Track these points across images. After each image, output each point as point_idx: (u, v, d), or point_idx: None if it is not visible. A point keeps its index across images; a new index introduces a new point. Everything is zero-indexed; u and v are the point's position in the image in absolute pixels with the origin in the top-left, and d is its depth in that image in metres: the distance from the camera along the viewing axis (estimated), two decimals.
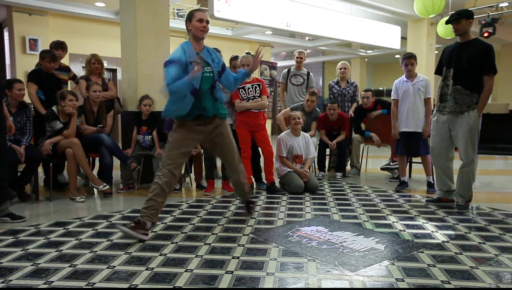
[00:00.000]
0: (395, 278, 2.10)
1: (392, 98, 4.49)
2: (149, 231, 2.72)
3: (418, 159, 4.61)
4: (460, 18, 3.35)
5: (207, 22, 2.83)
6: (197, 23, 2.78)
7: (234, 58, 4.61)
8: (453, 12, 3.46)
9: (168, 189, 2.77)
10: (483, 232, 2.88)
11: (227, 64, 4.16)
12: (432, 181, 4.34)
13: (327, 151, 5.28)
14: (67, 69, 4.85)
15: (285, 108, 5.30)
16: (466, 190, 3.45)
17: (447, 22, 3.48)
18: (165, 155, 2.81)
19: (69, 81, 4.95)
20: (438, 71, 3.68)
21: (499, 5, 8.12)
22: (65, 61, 5.00)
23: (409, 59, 4.28)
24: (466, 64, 3.33)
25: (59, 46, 4.64)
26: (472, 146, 3.37)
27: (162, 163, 2.79)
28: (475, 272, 2.17)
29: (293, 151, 4.36)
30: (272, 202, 3.86)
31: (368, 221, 3.18)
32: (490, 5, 8.15)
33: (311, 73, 5.56)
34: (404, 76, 4.38)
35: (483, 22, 8.21)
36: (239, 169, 3.15)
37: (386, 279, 2.10)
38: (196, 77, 2.69)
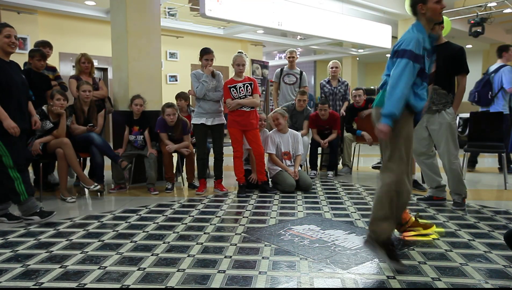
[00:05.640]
0: (387, 276, 2.12)
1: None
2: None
3: None
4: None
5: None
6: (435, 5, 2.35)
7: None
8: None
9: None
10: (473, 229, 2.92)
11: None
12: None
13: (319, 150, 5.31)
14: (53, 69, 4.80)
15: (278, 107, 5.31)
16: (459, 186, 3.50)
17: None
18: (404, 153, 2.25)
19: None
20: None
21: (488, 5, 8.20)
22: (54, 60, 4.97)
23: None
24: (442, 65, 3.44)
25: (46, 45, 4.57)
26: (453, 141, 3.45)
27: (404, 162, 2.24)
28: (464, 269, 2.19)
29: (281, 148, 4.43)
30: (264, 201, 3.86)
31: (359, 219, 3.20)
32: (479, 4, 8.24)
33: (304, 72, 5.58)
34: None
35: (472, 21, 8.28)
36: None
37: (377, 276, 2.12)
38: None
